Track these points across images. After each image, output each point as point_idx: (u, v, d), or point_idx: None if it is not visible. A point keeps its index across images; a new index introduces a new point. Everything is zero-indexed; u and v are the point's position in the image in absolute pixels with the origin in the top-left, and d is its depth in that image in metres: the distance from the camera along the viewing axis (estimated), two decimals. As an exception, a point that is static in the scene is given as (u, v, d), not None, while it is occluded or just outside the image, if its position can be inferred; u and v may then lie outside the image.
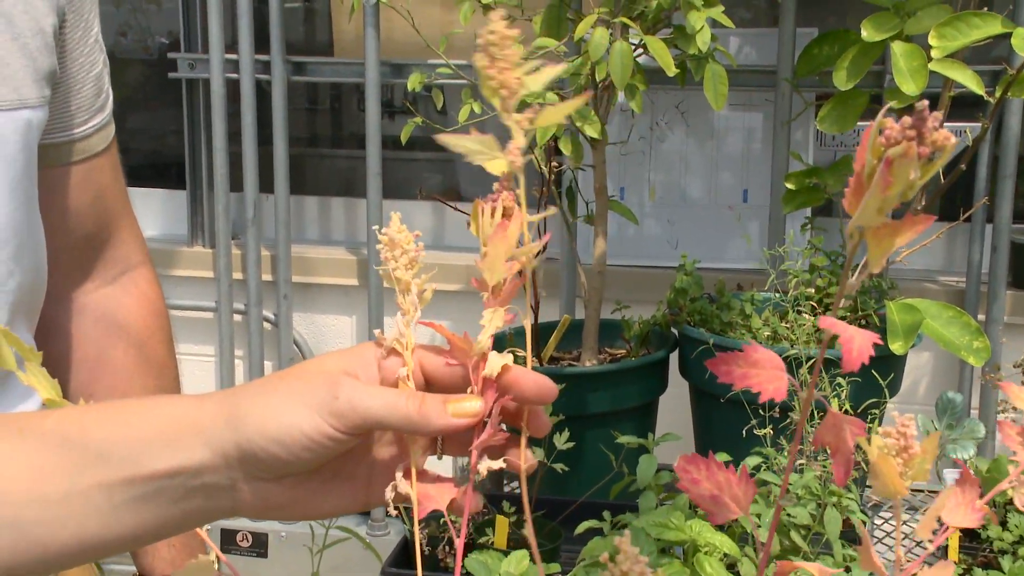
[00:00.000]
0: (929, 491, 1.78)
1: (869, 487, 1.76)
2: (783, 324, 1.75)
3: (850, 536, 1.40)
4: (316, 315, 2.47)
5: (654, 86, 2.00)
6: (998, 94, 1.68)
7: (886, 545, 1.72)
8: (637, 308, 1.90)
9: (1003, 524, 1.52)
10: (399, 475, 0.62)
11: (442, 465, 0.66)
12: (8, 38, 0.86)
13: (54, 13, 0.91)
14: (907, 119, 0.47)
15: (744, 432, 1.55)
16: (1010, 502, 1.43)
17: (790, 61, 2.05)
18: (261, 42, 2.30)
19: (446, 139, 0.58)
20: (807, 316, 1.75)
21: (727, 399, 1.58)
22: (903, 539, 1.61)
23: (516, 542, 1.53)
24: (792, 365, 1.55)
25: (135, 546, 0.66)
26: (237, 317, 2.43)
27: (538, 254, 0.61)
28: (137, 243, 1.10)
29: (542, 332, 1.85)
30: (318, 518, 0.66)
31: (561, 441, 1.56)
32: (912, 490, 1.28)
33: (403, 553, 1.58)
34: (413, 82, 1.83)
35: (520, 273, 0.61)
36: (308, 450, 0.59)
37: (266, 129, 2.33)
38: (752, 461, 1.44)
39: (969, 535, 1.53)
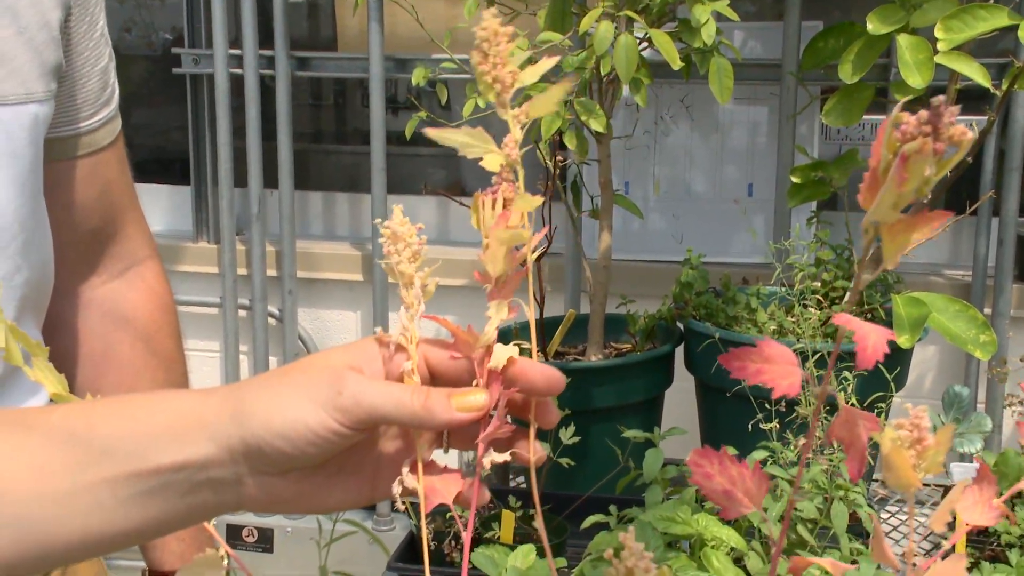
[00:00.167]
0: (936, 484, 1.77)
1: (876, 481, 1.76)
2: (789, 318, 1.75)
3: (856, 530, 1.39)
4: (321, 310, 2.47)
5: (659, 80, 2.00)
6: (1004, 87, 1.68)
7: (892, 539, 1.72)
8: (642, 302, 1.90)
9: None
10: (405, 469, 0.62)
11: (448, 458, 0.66)
12: (14, 32, 0.86)
13: (60, 7, 0.91)
14: (923, 113, 0.47)
15: (750, 426, 1.55)
16: (1018, 496, 1.43)
17: (795, 54, 2.05)
18: (265, 37, 2.30)
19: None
20: (813, 310, 1.75)
21: (733, 393, 1.58)
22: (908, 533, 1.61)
23: (522, 537, 1.53)
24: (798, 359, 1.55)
25: (140, 541, 0.66)
26: (242, 312, 2.44)
27: (543, 251, 0.61)
28: (144, 237, 1.10)
29: (547, 327, 1.85)
30: (324, 512, 0.66)
31: (567, 436, 1.56)
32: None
33: (409, 548, 1.59)
34: (417, 77, 1.83)
35: (523, 264, 0.61)
36: (313, 445, 0.59)
37: (270, 124, 2.33)
38: (758, 455, 1.44)
39: (976, 528, 1.52)
